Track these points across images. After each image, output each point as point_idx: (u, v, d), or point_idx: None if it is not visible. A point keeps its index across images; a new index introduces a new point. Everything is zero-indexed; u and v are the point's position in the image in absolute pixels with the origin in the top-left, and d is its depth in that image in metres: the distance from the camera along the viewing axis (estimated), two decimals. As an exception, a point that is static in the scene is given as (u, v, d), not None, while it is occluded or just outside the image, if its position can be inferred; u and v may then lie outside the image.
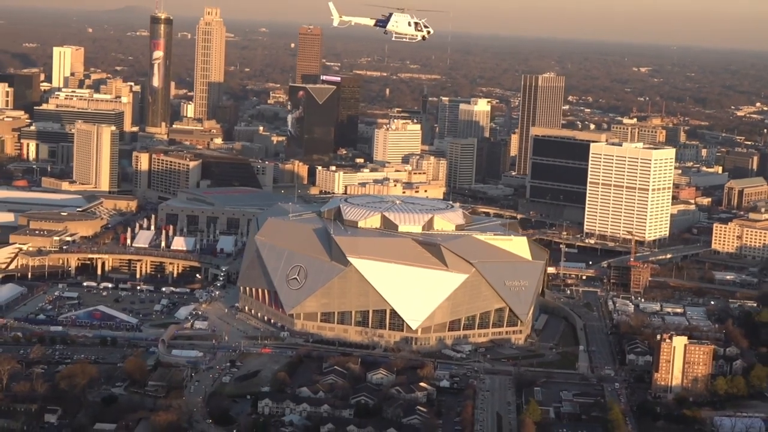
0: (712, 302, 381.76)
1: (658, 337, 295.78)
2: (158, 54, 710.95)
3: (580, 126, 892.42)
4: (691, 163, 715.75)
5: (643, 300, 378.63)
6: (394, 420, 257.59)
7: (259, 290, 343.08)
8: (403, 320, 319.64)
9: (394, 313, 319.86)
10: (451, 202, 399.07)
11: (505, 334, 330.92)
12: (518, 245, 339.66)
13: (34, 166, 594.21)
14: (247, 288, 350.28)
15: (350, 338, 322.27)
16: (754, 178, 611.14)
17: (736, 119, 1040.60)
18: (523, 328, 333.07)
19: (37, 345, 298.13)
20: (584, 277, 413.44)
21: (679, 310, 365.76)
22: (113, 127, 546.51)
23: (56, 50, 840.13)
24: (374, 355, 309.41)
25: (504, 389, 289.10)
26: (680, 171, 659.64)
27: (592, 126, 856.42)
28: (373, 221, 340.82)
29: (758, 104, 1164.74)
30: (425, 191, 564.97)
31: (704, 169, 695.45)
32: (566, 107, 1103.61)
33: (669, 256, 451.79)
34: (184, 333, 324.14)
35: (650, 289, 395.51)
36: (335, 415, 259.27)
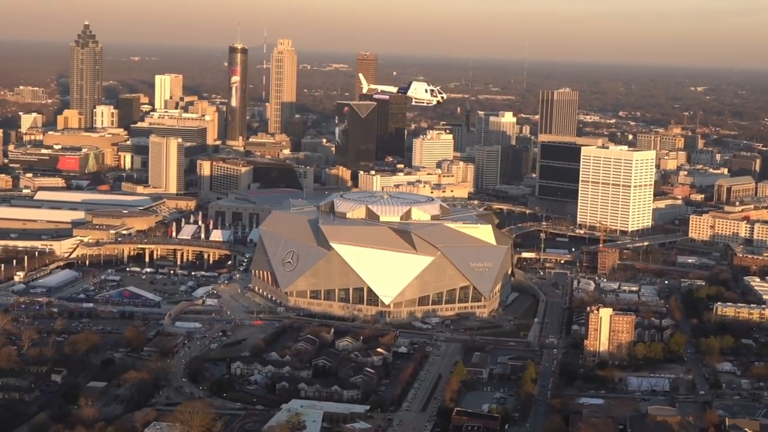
0: (666, 282, 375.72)
1: (588, 309, 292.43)
2: (235, 79, 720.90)
3: (619, 135, 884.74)
4: (701, 166, 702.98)
5: (605, 280, 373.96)
6: (344, 379, 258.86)
7: (264, 272, 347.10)
8: (377, 296, 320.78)
9: (370, 290, 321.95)
10: (432, 197, 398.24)
11: (470, 309, 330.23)
12: (484, 232, 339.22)
13: (123, 174, 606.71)
14: (256, 271, 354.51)
15: (334, 312, 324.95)
16: (743, 177, 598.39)
17: (765, 129, 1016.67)
18: (487, 303, 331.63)
19: (59, 318, 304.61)
20: (562, 261, 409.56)
21: (634, 289, 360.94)
22: (180, 139, 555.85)
23: (158, 78, 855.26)
24: (348, 326, 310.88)
25: (454, 354, 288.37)
26: (686, 172, 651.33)
27: (630, 136, 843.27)
28: (358, 212, 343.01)
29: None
30: (452, 191, 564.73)
31: (710, 170, 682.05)
32: (613, 120, 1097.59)
33: (646, 243, 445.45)
34: (195, 308, 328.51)
35: (617, 271, 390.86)
36: (294, 375, 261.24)
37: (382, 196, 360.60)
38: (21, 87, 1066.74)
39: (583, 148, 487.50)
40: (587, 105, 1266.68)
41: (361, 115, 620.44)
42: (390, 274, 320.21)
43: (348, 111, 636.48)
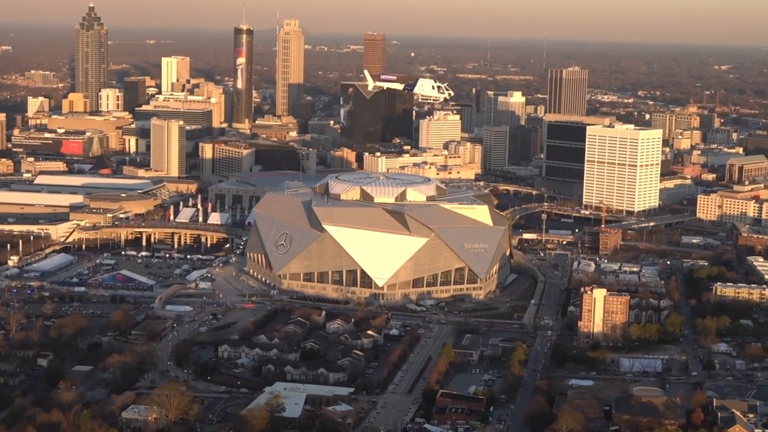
0: (668, 262, 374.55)
1: (582, 289, 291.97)
2: (241, 60, 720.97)
3: (636, 115, 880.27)
4: (716, 145, 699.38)
5: (605, 261, 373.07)
6: (331, 362, 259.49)
7: (258, 255, 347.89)
8: (371, 279, 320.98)
9: (363, 272, 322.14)
10: (428, 177, 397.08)
11: (466, 291, 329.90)
12: (480, 213, 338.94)
13: (127, 158, 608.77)
14: (251, 254, 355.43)
15: (328, 295, 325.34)
16: (756, 156, 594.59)
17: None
18: (483, 285, 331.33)
19: (48, 302, 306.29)
20: (564, 242, 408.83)
21: (635, 269, 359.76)
22: (181, 122, 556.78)
23: (164, 60, 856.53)
24: (341, 309, 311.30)
25: (447, 337, 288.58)
26: (699, 152, 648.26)
27: (648, 116, 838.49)
28: (353, 194, 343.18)
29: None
30: (458, 172, 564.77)
31: (725, 150, 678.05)
32: (631, 100, 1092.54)
33: (652, 223, 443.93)
34: (187, 292, 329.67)
35: (620, 252, 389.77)
36: (282, 358, 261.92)
37: (377, 177, 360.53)
38: (32, 71, 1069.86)
39: (588, 127, 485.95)
40: (606, 85, 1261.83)
41: (365, 95, 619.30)
42: (383, 256, 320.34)
43: (352, 92, 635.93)
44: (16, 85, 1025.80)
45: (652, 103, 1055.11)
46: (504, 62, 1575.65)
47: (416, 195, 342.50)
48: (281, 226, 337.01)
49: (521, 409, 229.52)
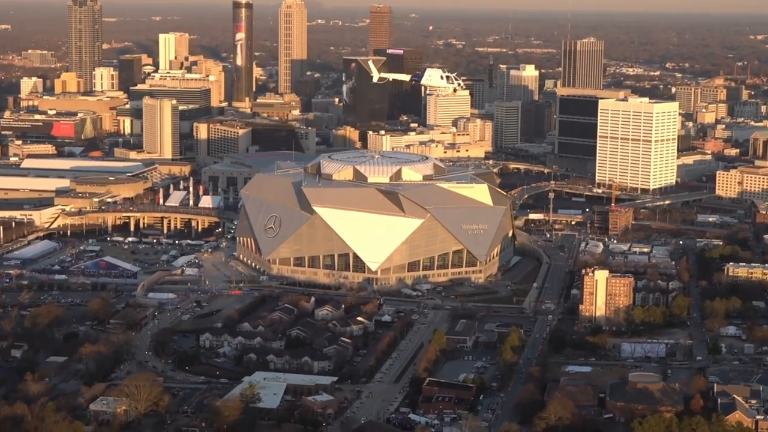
0: (681, 242, 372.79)
1: (583, 271, 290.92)
2: (240, 36, 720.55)
3: (662, 88, 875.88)
4: (743, 119, 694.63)
5: (615, 241, 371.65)
6: (317, 350, 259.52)
7: (248, 239, 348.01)
8: (364, 262, 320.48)
9: (356, 256, 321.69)
10: (426, 156, 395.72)
11: (464, 274, 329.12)
12: (479, 192, 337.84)
13: (120, 140, 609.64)
14: (241, 238, 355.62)
15: (319, 280, 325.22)
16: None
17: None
18: (483, 268, 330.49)
19: (25, 290, 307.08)
20: (573, 223, 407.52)
21: (645, 250, 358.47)
22: (174, 101, 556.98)
23: (162, 36, 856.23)
24: (331, 294, 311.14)
25: (442, 323, 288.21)
26: (724, 126, 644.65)
27: (674, 89, 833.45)
28: (345, 174, 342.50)
29: None
30: (467, 151, 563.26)
31: (752, 123, 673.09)
32: (657, 72, 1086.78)
33: (667, 202, 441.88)
34: (172, 278, 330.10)
35: (631, 232, 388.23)
36: (265, 346, 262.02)
37: (372, 156, 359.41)
38: (29, 51, 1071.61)
39: (600, 101, 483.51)
40: (632, 57, 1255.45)
41: (369, 71, 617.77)
42: (377, 239, 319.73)
43: (355, 67, 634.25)
44: (12, 65, 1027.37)
45: (680, 75, 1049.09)
46: (526, 35, 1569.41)
47: (412, 174, 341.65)
48: (270, 208, 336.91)
49: (513, 397, 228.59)
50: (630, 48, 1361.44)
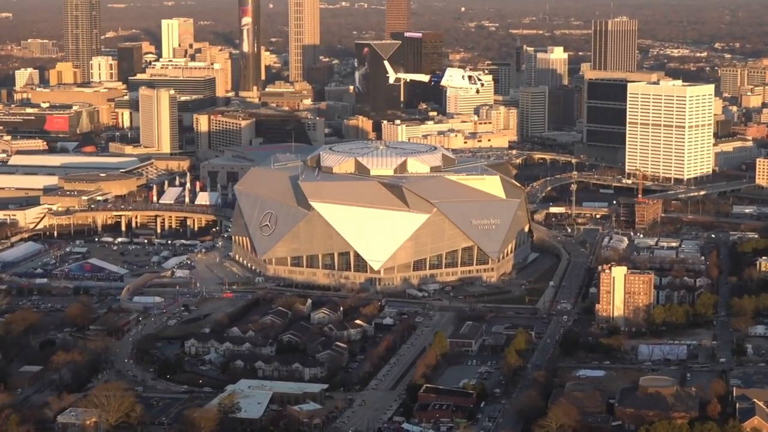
0: (713, 235, 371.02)
1: (599, 268, 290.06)
2: (246, 20, 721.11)
3: (708, 70, 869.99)
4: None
5: (641, 235, 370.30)
6: (309, 355, 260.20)
7: (243, 238, 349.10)
8: (365, 262, 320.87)
9: (357, 255, 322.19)
10: (435, 146, 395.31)
11: (475, 273, 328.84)
12: (490, 184, 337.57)
13: (117, 134, 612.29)
14: (236, 237, 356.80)
15: (319, 281, 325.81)
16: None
17: None
18: (496, 266, 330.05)
19: (4, 295, 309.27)
20: (598, 216, 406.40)
21: (674, 244, 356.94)
22: (172, 91, 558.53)
23: (164, 22, 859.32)
24: (329, 296, 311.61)
25: (447, 325, 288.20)
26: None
27: (721, 72, 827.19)
28: (346, 166, 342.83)
29: None
30: (488, 140, 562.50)
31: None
32: (704, 54, 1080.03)
33: (702, 192, 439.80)
34: (161, 281, 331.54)
35: (660, 225, 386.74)
36: (255, 352, 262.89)
37: (377, 147, 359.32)
38: (29, 40, 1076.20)
39: (629, 84, 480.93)
40: (679, 37, 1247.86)
41: (383, 56, 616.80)
42: (379, 236, 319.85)
43: (368, 52, 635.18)
44: (11, 55, 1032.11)
45: (729, 56, 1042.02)
46: (566, 15, 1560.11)
47: (418, 166, 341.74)
48: (265, 204, 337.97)
49: (516, 404, 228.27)
50: (677, 28, 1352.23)
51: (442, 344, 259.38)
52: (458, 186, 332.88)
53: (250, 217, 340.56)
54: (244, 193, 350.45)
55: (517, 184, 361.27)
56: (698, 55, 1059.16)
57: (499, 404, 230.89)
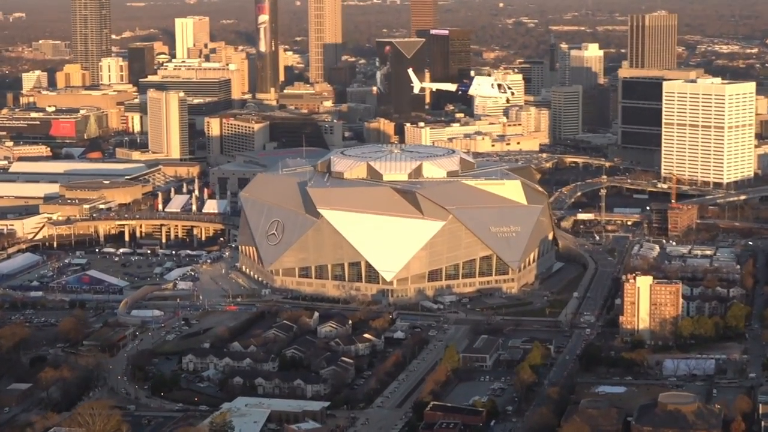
0: (750, 243, 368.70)
1: (622, 278, 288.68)
2: (263, 18, 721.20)
3: (758, 68, 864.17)
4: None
5: (674, 243, 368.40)
6: (313, 371, 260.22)
7: (249, 248, 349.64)
8: (377, 272, 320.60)
9: (368, 265, 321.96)
10: (453, 149, 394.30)
11: (494, 283, 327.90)
12: (511, 189, 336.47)
13: (126, 139, 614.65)
14: (242, 247, 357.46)
15: (328, 293, 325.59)
16: None
17: None
18: (517, 276, 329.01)
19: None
20: (629, 223, 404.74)
21: (708, 252, 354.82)
22: (181, 93, 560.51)
23: (178, 21, 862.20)
24: (339, 309, 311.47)
25: (462, 339, 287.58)
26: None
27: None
28: (358, 171, 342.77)
29: None
30: (518, 143, 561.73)
31: None
32: (755, 50, 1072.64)
33: (742, 197, 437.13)
34: (162, 294, 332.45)
35: (695, 232, 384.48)
36: (256, 368, 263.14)
37: (390, 151, 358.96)
38: (41, 41, 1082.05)
39: (665, 83, 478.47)
40: (730, 33, 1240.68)
41: (406, 54, 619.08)
42: (392, 245, 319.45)
43: (390, 51, 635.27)
44: (21, 57, 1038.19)
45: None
46: (610, 10, 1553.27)
47: (434, 170, 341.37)
48: (272, 212, 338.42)
49: (528, 422, 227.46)
50: (729, 23, 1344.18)
51: (453, 359, 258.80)
52: (476, 191, 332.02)
53: (257, 225, 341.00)
54: (250, 200, 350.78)
55: (540, 188, 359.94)
56: (749, 51, 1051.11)
57: (510, 422, 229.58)
